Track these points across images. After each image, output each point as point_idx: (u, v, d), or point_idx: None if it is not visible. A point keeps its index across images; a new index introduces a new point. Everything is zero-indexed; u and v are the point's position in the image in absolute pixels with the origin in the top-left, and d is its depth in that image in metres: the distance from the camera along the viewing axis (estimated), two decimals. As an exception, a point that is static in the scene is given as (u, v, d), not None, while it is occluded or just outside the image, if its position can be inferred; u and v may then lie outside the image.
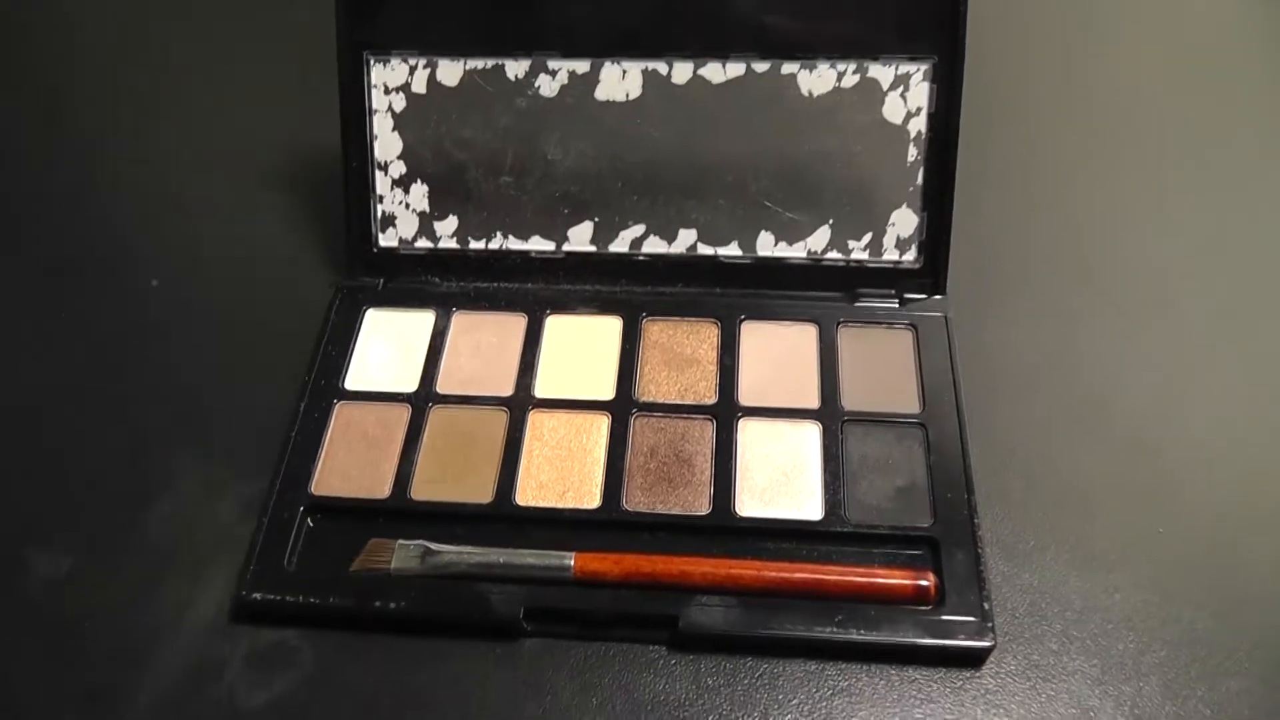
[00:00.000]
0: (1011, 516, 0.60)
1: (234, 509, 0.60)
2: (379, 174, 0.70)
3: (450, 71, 0.67)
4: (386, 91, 0.68)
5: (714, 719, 0.52)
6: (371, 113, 0.68)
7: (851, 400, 0.63)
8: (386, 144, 0.69)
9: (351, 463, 0.61)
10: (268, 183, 0.78)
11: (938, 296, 0.68)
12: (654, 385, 0.65)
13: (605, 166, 0.68)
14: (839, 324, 0.67)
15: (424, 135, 0.68)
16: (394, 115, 0.68)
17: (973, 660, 0.53)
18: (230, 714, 0.52)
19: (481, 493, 0.60)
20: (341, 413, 0.63)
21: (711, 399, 0.64)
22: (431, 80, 0.67)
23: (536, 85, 0.67)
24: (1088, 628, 0.55)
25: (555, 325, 0.67)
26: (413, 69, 0.68)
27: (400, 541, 0.56)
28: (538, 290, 0.69)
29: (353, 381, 0.65)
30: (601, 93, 0.66)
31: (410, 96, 0.67)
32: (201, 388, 0.66)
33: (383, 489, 0.59)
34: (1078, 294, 0.70)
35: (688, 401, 0.64)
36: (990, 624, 0.53)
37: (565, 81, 0.67)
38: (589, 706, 0.52)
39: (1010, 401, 0.64)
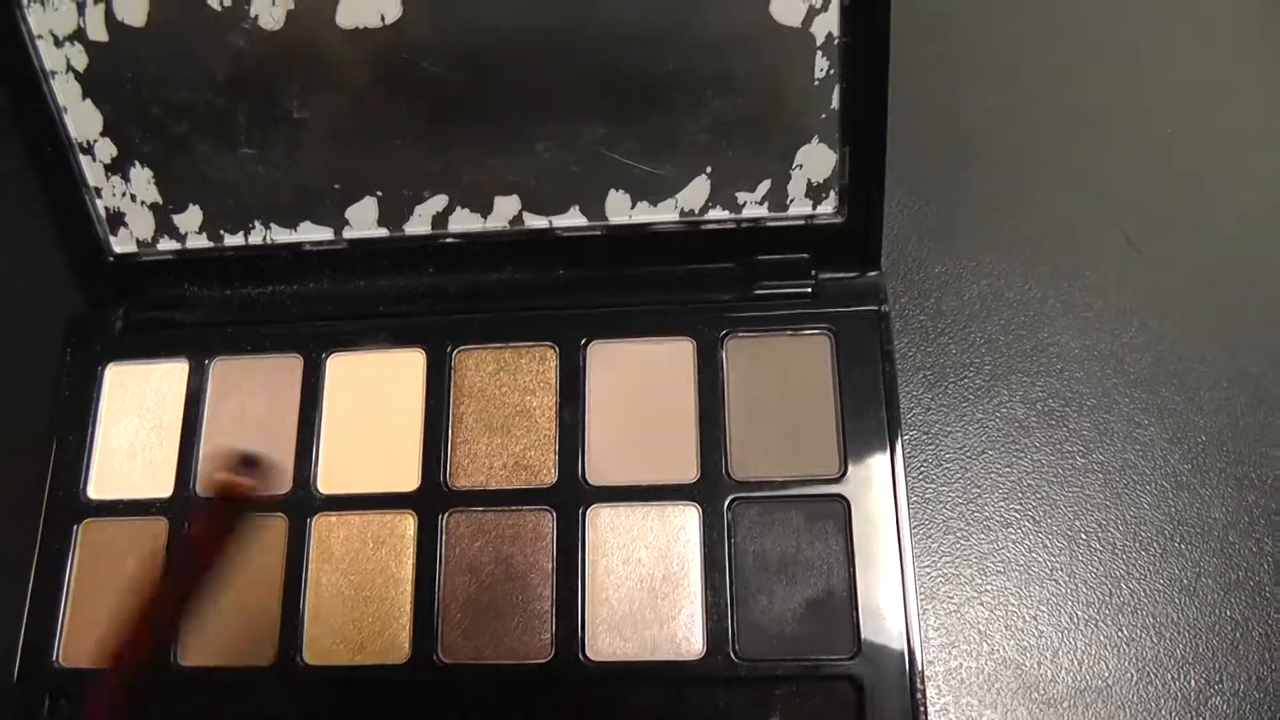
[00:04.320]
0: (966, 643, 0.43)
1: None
2: (85, 160, 0.50)
3: (131, 3, 0.46)
4: (58, 44, 0.48)
5: None
6: (48, 76, 0.48)
7: (743, 464, 0.45)
8: (81, 118, 0.49)
9: (105, 613, 0.47)
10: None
11: (871, 274, 0.47)
12: (470, 461, 0.47)
13: (373, 119, 0.47)
14: (725, 336, 0.47)
15: (125, 99, 0.49)
16: (79, 76, 0.49)
17: None
18: None
19: (262, 649, 0.46)
20: (87, 537, 0.49)
21: (549, 477, 0.47)
22: (111, 20, 0.47)
23: (252, 13, 0.45)
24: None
25: (339, 370, 0.50)
26: (81, 6, 0.47)
27: None
28: (316, 295, 0.52)
29: (98, 486, 0.50)
30: (345, 16, 0.45)
31: (91, 47, 0.48)
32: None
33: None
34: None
35: (516, 485, 0.47)
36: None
37: (291, 4, 0.45)
38: None
39: (976, 446, 0.45)
